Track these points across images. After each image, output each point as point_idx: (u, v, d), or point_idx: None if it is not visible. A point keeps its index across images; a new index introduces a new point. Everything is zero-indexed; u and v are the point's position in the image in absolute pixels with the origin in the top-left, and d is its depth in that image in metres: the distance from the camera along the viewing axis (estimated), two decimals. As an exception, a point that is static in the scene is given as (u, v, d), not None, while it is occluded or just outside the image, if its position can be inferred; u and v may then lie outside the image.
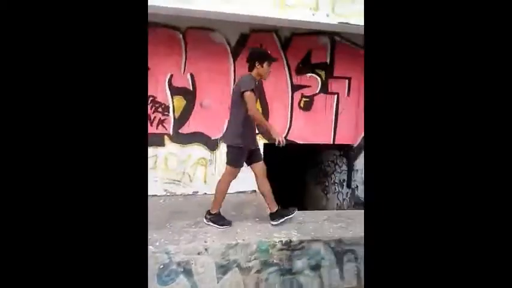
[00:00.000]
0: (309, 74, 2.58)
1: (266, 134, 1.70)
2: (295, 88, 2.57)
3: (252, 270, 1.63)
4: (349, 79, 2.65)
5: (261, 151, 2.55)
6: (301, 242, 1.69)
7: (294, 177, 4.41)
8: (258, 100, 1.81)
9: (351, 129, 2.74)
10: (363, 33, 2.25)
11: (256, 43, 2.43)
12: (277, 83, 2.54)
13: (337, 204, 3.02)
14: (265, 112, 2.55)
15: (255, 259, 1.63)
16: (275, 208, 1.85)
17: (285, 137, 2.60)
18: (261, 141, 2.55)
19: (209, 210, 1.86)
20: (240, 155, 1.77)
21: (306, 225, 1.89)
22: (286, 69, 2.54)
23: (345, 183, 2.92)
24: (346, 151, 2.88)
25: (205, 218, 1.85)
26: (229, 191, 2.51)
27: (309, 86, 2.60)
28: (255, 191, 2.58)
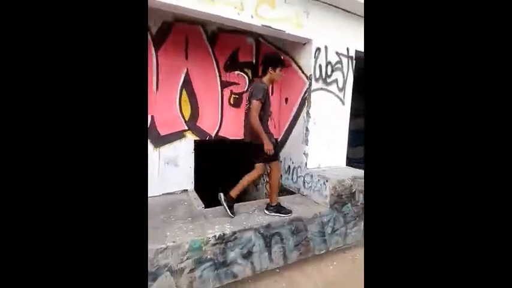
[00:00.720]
0: (237, 72, 2.66)
1: (259, 139, 1.94)
2: (224, 85, 2.61)
3: (185, 271, 1.59)
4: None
5: (191, 148, 2.48)
6: (234, 233, 1.76)
7: (228, 172, 4.48)
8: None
9: (275, 125, 3.02)
10: (281, 37, 2.50)
11: (181, 33, 2.31)
12: (207, 78, 2.51)
13: (265, 193, 3.29)
14: (195, 108, 2.47)
15: (187, 259, 1.59)
16: (276, 200, 2.10)
17: (217, 133, 2.62)
18: (192, 137, 2.47)
19: (269, 204, 2.10)
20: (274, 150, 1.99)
21: (238, 216, 1.99)
22: (215, 65, 2.54)
23: (272, 174, 3.21)
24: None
25: (267, 210, 2.08)
26: (157, 193, 2.34)
27: (237, 84, 2.69)
28: (186, 190, 2.49)
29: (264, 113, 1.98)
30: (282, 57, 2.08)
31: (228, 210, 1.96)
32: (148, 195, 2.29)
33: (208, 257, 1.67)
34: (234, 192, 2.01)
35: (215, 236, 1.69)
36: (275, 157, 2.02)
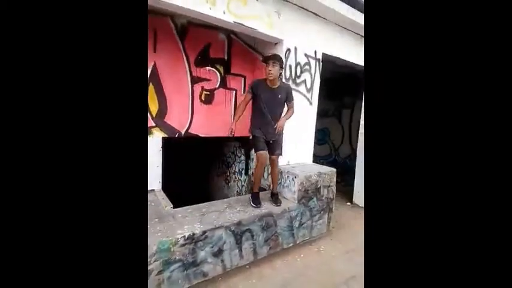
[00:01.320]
0: (208, 68, 2.61)
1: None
2: (194, 80, 2.53)
3: (153, 273, 1.53)
4: (244, 77, 2.91)
5: (159, 146, 2.36)
6: (204, 232, 1.75)
7: (199, 170, 4.38)
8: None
9: (247, 123, 3.03)
10: (253, 36, 2.52)
11: (149, 25, 2.17)
12: (176, 73, 2.40)
13: (237, 191, 3.32)
14: (163, 103, 2.36)
15: (155, 261, 1.53)
16: (256, 190, 2.27)
17: (187, 130, 2.54)
18: (160, 135, 2.36)
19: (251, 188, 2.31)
20: (257, 142, 2.18)
21: (209, 215, 1.97)
22: (185, 59, 2.44)
23: (243, 171, 3.24)
24: (244, 142, 3.19)
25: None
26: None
27: (209, 80, 2.63)
28: (153, 190, 2.38)
29: (255, 107, 2.21)
30: (265, 55, 2.23)
31: (252, 203, 2.21)
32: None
33: (177, 257, 1.63)
34: (254, 187, 2.27)
35: (184, 236, 1.65)
36: (256, 148, 2.19)
